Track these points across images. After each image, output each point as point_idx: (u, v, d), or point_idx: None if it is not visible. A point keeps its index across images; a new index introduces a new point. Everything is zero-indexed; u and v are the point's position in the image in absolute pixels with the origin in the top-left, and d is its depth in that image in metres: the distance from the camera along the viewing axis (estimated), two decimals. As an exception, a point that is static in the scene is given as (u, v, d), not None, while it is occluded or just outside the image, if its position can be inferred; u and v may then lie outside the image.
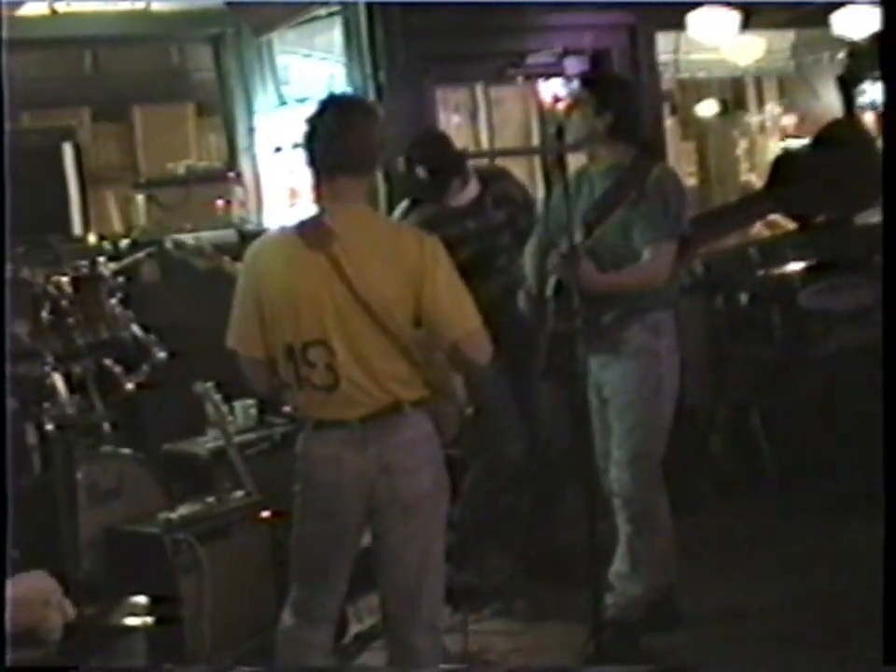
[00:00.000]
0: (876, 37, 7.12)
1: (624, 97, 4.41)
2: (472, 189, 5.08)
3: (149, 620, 3.16)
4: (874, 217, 6.96)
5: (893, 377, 2.88)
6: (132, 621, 3.18)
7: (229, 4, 6.12)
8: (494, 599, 5.02)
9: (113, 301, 4.69)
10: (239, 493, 4.60)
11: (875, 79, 7.19)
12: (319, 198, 3.52)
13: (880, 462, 5.44)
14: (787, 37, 7.75)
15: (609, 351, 4.36)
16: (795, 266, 6.57)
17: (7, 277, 3.69)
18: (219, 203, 6.31)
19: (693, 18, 6.51)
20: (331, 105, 3.58)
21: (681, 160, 7.79)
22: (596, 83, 4.44)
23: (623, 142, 4.28)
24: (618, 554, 4.48)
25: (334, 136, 3.44)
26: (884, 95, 3.05)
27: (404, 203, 5.06)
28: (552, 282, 4.27)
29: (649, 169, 4.31)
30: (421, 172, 4.92)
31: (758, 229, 6.75)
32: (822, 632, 4.50)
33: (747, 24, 6.76)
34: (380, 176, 5.47)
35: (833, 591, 4.85)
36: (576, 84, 4.38)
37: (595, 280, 4.20)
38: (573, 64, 6.26)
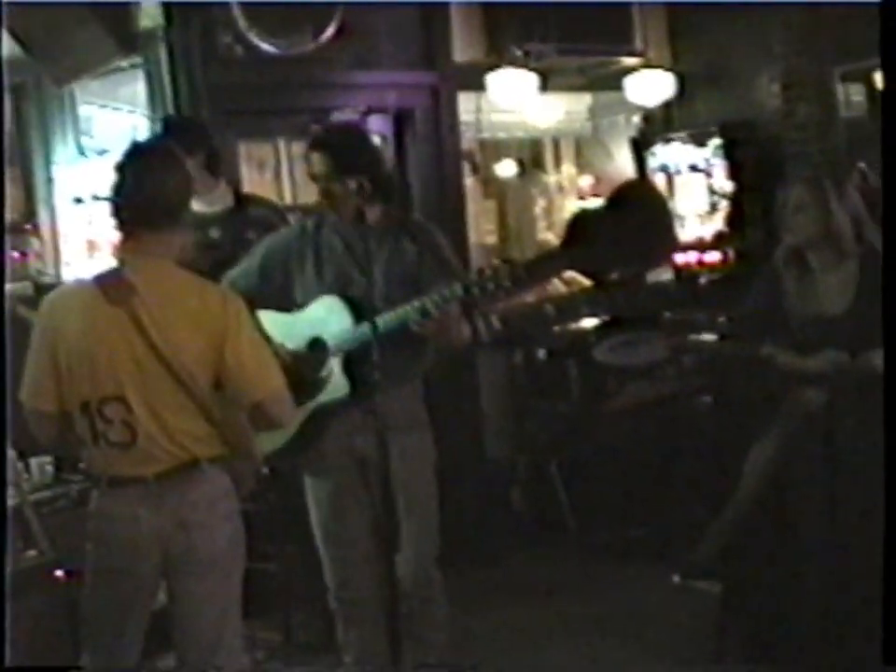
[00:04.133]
0: (667, 103, 7.43)
1: (377, 160, 4.26)
2: (224, 197, 5.04)
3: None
4: (664, 275, 7.29)
5: (893, 381, 2.96)
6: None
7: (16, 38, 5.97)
8: (297, 655, 5.01)
9: None
10: (32, 552, 4.49)
11: (666, 142, 7.47)
12: (122, 251, 3.49)
13: (671, 509, 5.68)
14: (584, 100, 7.98)
15: (384, 426, 3.75)
16: (589, 322, 6.77)
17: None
18: (15, 254, 6.17)
19: (492, 79, 6.66)
20: (134, 154, 3.56)
21: (481, 218, 7.93)
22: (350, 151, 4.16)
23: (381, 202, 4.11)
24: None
25: (135, 188, 3.41)
26: (883, 96, 3.17)
27: None
28: (345, 345, 3.97)
29: (418, 225, 4.32)
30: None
31: (554, 285, 6.93)
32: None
33: (545, 87, 6.95)
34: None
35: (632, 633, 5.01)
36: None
37: (466, 337, 4.06)
38: (377, 123, 6.34)
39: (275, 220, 4.97)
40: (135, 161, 3.49)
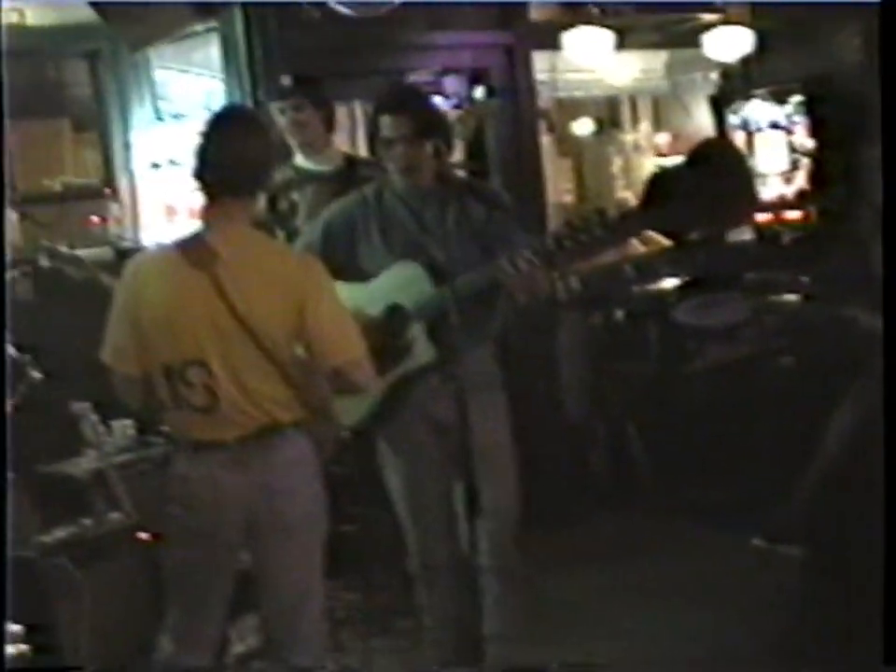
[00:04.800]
0: (746, 59, 7.31)
1: (446, 122, 4.32)
2: (336, 157, 5.10)
3: (25, 648, 3.11)
4: (744, 234, 7.20)
5: (893, 378, 2.93)
6: (7, 650, 3.13)
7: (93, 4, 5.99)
8: (377, 617, 5.04)
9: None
10: (116, 515, 4.54)
11: (746, 99, 7.36)
12: (203, 215, 3.50)
13: (752, 472, 5.63)
14: (661, 57, 7.88)
15: (463, 389, 3.69)
16: (669, 282, 6.70)
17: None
18: (95, 219, 6.22)
19: (568, 38, 6.59)
20: (219, 120, 3.58)
21: (558, 176, 7.88)
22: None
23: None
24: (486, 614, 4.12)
25: (219, 153, 3.43)
26: (882, 97, 3.12)
27: None
28: (427, 310, 3.91)
29: (482, 185, 4.35)
30: (285, 79, 5.03)
31: (634, 245, 6.86)
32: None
33: (622, 44, 6.86)
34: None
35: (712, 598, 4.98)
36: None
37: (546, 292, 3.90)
38: (452, 83, 6.32)
39: None
40: (221, 127, 3.51)
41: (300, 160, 5.07)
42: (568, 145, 8.16)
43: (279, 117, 5.03)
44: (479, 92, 6.33)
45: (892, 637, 2.88)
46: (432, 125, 4.01)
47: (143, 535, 4.43)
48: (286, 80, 5.02)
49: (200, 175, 3.46)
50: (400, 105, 4.09)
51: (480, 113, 6.34)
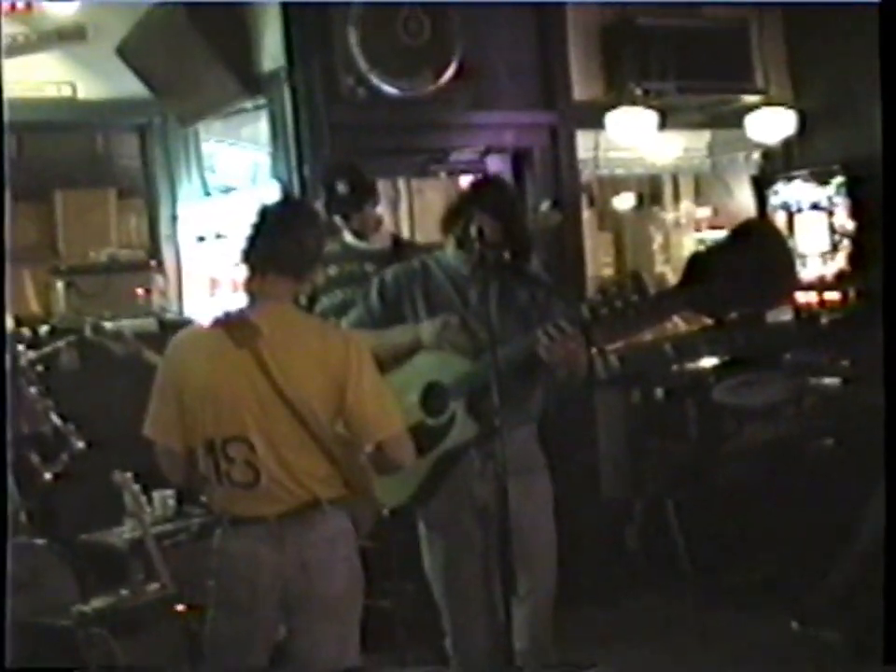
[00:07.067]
0: (788, 140, 7.36)
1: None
2: (384, 239, 5.21)
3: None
4: (783, 315, 7.20)
5: (893, 386, 2.94)
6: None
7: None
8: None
9: (33, 390, 4.69)
10: (154, 585, 4.56)
11: (787, 180, 7.39)
12: (249, 291, 3.56)
13: (789, 554, 5.59)
14: (703, 137, 7.91)
15: (505, 470, 3.70)
16: (709, 361, 6.71)
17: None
18: (140, 291, 6.31)
19: (611, 118, 6.65)
20: (274, 207, 3.67)
21: (598, 250, 7.91)
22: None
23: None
24: None
25: (271, 235, 3.51)
26: (883, 97, 3.14)
27: None
28: (467, 385, 3.92)
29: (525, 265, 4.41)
30: (341, 187, 5.04)
31: (674, 323, 6.89)
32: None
33: (664, 124, 6.92)
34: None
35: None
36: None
37: (585, 366, 3.97)
38: (495, 163, 6.38)
39: None
40: (274, 212, 3.61)
41: (349, 237, 5.15)
42: (609, 219, 8.21)
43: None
44: (545, 205, 6.39)
45: (892, 636, 2.86)
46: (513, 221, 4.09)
47: (179, 606, 4.45)
48: (342, 188, 5.08)
49: (248, 255, 3.53)
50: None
51: (542, 225, 6.40)
